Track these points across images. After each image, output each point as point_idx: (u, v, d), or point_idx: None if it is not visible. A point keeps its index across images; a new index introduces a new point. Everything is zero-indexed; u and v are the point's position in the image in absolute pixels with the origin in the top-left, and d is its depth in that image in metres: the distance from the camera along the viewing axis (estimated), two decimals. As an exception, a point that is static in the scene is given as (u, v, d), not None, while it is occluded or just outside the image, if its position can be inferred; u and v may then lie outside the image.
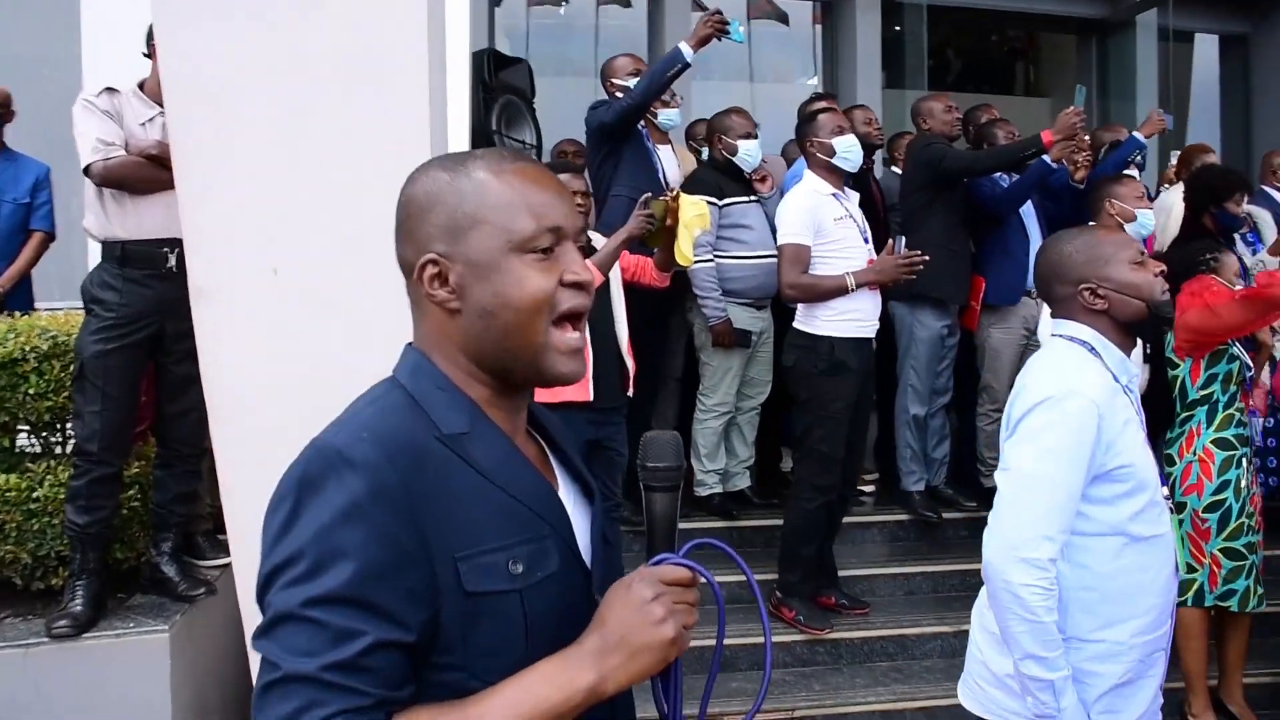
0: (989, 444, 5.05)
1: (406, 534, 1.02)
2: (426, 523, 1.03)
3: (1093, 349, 2.11)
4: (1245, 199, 4.41)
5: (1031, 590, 1.92)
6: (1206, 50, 9.96)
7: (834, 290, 3.97)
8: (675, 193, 3.93)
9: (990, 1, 8.92)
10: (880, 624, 4.29)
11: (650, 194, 3.94)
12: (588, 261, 3.58)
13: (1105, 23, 9.18)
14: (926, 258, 3.92)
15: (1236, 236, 5.13)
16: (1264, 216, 5.21)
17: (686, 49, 4.33)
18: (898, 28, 8.80)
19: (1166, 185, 5.82)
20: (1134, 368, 2.17)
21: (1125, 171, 5.13)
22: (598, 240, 3.99)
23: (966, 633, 4.08)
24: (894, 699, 3.87)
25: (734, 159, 4.76)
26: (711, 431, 4.86)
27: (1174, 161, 5.95)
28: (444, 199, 1.14)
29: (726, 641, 4.02)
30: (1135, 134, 5.31)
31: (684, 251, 3.94)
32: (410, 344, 1.20)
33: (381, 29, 2.42)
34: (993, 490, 4.95)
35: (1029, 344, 4.91)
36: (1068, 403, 1.99)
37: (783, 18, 9.10)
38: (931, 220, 4.78)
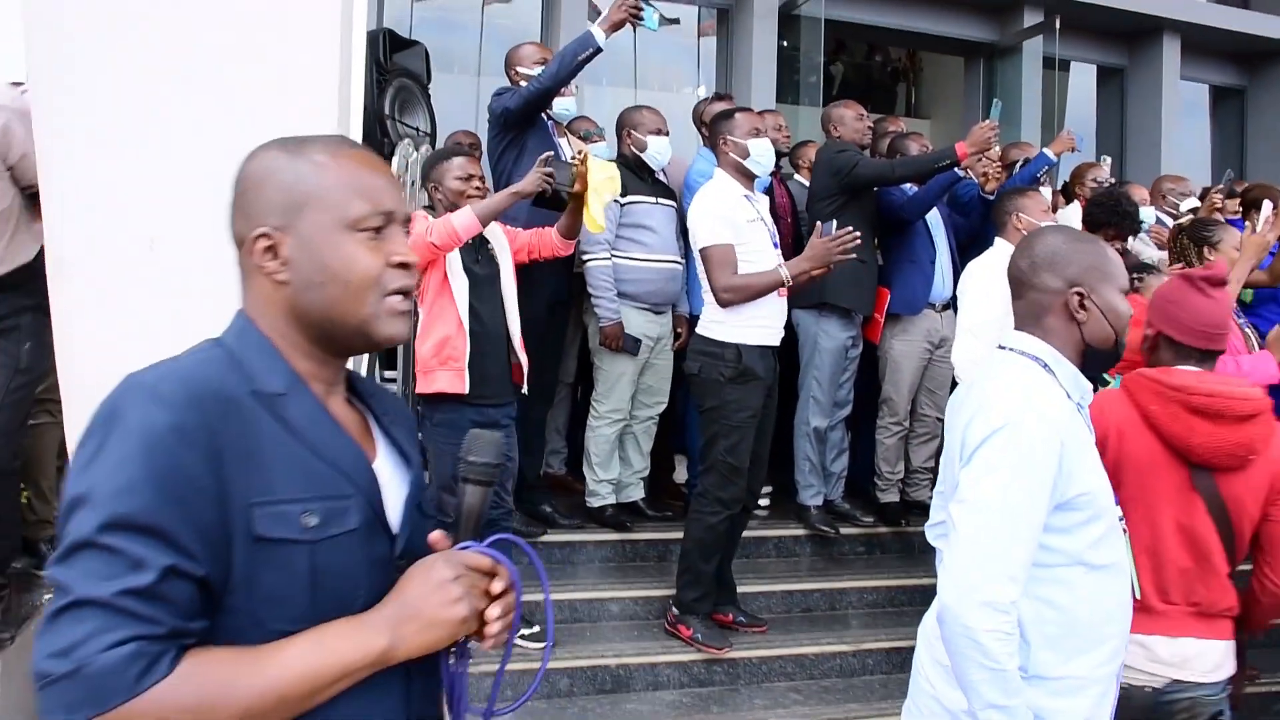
0: (887, 458, 4.99)
1: (204, 473, 1.07)
2: (226, 467, 1.09)
3: (1046, 365, 1.96)
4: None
5: (994, 636, 1.74)
6: (1084, 80, 10.29)
7: (770, 286, 3.78)
8: (583, 155, 3.74)
9: (886, 19, 8.98)
10: (778, 643, 4.15)
11: (551, 153, 3.75)
12: (468, 208, 3.39)
13: (994, 47, 9.37)
14: (859, 235, 3.74)
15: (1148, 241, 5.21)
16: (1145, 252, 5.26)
17: (598, 33, 4.11)
18: (785, 42, 8.79)
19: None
20: (1086, 384, 2.04)
21: (1041, 184, 5.18)
22: (496, 231, 3.76)
23: (866, 651, 4.11)
24: (795, 721, 3.73)
25: (643, 155, 4.58)
26: (604, 439, 4.65)
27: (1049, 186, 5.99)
28: (281, 177, 1.23)
29: (622, 660, 3.91)
30: (1045, 150, 5.35)
31: (594, 217, 3.75)
32: (240, 310, 1.26)
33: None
34: (889, 505, 4.91)
35: (931, 357, 4.87)
36: (1029, 428, 1.83)
37: (674, 21, 8.99)
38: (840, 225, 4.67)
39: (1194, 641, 2.41)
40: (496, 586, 1.25)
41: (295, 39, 2.21)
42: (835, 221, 3.78)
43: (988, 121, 4.54)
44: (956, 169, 4.58)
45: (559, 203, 3.79)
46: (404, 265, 1.25)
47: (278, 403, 1.18)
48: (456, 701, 1.30)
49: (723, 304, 3.83)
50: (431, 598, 1.18)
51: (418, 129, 5.08)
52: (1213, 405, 2.39)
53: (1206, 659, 2.41)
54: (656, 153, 4.60)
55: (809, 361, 4.77)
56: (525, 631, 3.88)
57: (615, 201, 4.32)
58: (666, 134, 4.64)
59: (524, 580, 3.84)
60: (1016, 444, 1.82)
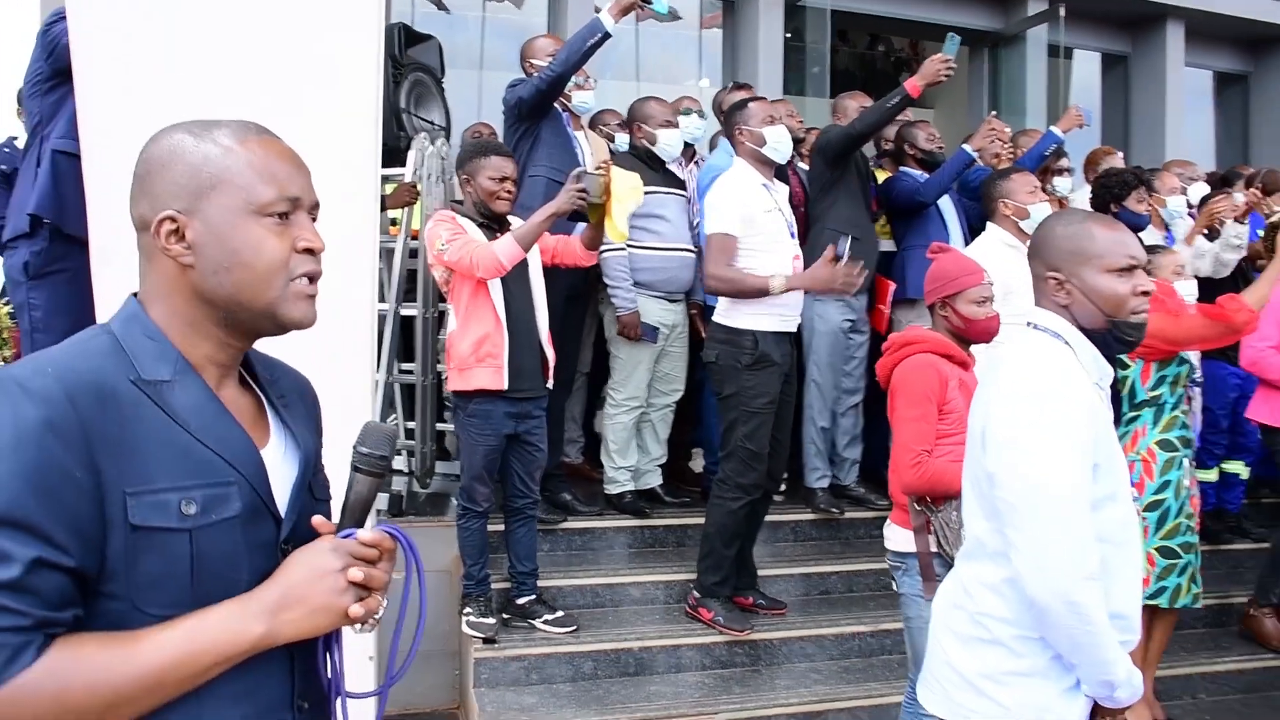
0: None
1: (76, 465, 1.07)
2: (101, 458, 1.09)
3: (1067, 342, 1.99)
4: (1148, 195, 4.50)
5: (1096, 604, 1.81)
6: (1088, 67, 10.32)
7: (755, 291, 3.82)
8: (608, 166, 3.79)
9: (891, 9, 9.02)
10: (798, 625, 4.22)
11: (582, 169, 3.79)
12: (509, 236, 3.45)
13: (998, 36, 9.39)
14: (865, 271, 3.78)
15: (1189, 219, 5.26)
16: (1178, 211, 5.32)
17: (607, 19, 4.14)
18: (788, 35, 8.81)
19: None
20: (1106, 365, 2.08)
21: (1059, 164, 5.22)
22: (516, 224, 3.82)
23: (884, 632, 4.18)
24: (816, 700, 3.79)
25: (654, 148, 4.64)
26: (622, 427, 4.72)
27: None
28: (186, 160, 1.22)
29: (644, 643, 3.98)
30: (1053, 129, 5.37)
31: (618, 226, 3.79)
32: (133, 294, 1.26)
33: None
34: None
35: (946, 341, 4.92)
36: (1060, 402, 1.88)
37: (677, 17, 9.01)
38: (835, 208, 4.75)
39: None
40: (382, 574, 1.25)
41: (335, 37, 2.26)
42: (850, 238, 3.83)
43: (939, 55, 4.47)
44: (966, 148, 4.63)
45: (583, 214, 3.83)
46: (310, 251, 1.25)
47: (162, 390, 1.17)
48: (335, 683, 1.31)
49: (709, 291, 3.97)
50: (317, 585, 1.19)
51: (433, 123, 5.14)
52: None
53: None
54: (667, 144, 4.65)
55: (808, 345, 4.83)
56: (549, 616, 3.95)
57: None
58: (676, 126, 4.69)
59: (543, 566, 3.92)
60: (1051, 418, 1.87)
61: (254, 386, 1.35)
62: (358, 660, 1.30)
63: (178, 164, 1.22)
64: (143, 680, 1.09)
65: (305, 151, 2.33)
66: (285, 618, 1.18)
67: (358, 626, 1.27)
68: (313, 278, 1.26)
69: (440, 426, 4.87)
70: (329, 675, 1.30)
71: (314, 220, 1.30)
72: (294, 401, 1.38)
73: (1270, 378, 4.19)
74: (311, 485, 1.33)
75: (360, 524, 1.28)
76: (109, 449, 1.10)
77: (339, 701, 1.35)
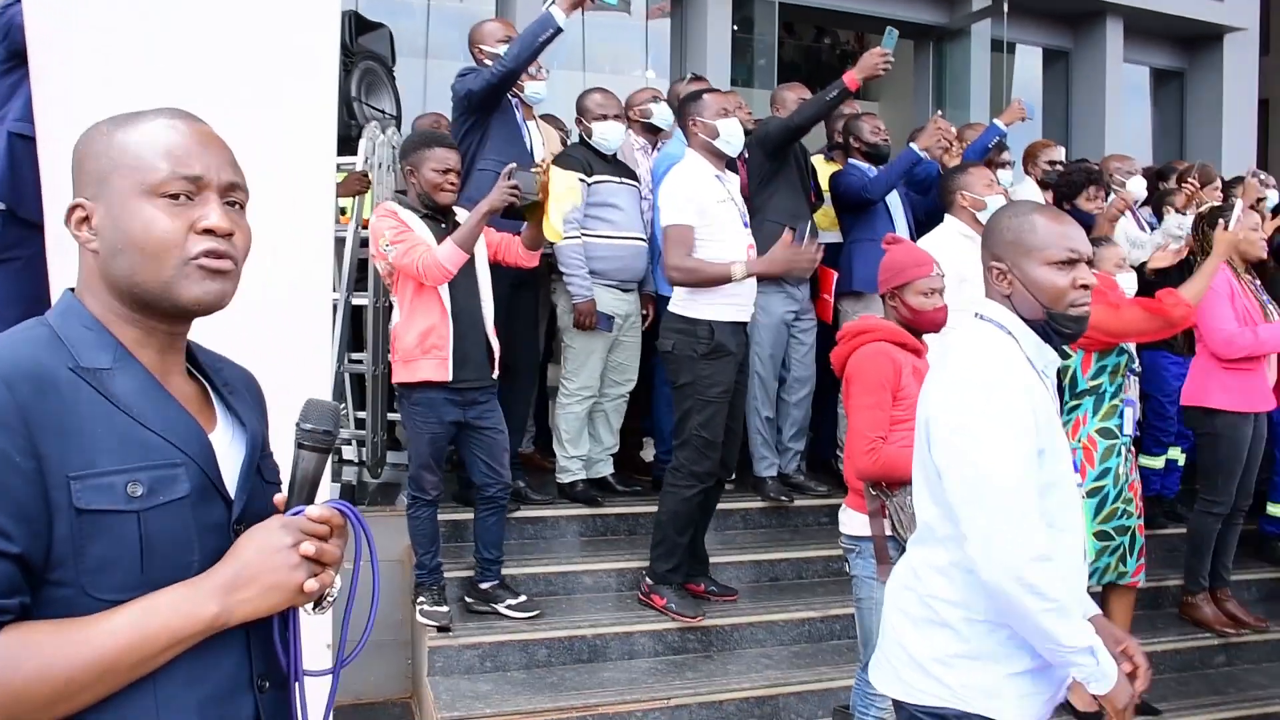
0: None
1: (16, 451, 1.06)
2: (42, 444, 1.08)
3: (1010, 332, 2.04)
4: (1100, 193, 4.61)
5: (1048, 581, 1.86)
6: (1030, 62, 10.52)
7: (718, 279, 3.86)
8: (546, 165, 3.79)
9: (837, 3, 9.13)
10: (749, 611, 4.27)
11: (515, 164, 3.79)
12: (449, 242, 3.45)
13: (944, 30, 9.53)
14: (823, 250, 3.83)
15: (1131, 219, 5.39)
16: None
17: (559, 13, 4.13)
18: (735, 26, 8.87)
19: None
20: (1051, 353, 2.14)
21: (1001, 158, 5.31)
22: (463, 216, 3.81)
23: (834, 617, 4.25)
24: (768, 684, 3.84)
25: (590, 141, 4.66)
26: (574, 417, 4.74)
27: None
28: (96, 147, 1.23)
29: (598, 630, 4.01)
30: (995, 121, 5.47)
31: (553, 226, 3.79)
32: (70, 289, 1.26)
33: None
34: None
35: (892, 333, 5.00)
36: (1004, 391, 1.93)
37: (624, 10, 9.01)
38: (774, 198, 4.77)
39: None
40: (334, 549, 1.25)
41: (293, 25, 2.26)
42: (811, 224, 3.87)
43: (878, 49, 4.53)
44: (914, 147, 4.71)
45: (518, 211, 3.83)
46: (209, 231, 1.22)
47: (103, 377, 1.17)
48: (293, 661, 1.30)
49: (671, 282, 3.97)
50: (270, 563, 1.19)
51: (384, 111, 5.11)
52: None
53: None
54: (603, 137, 4.67)
55: (750, 336, 4.86)
56: (512, 601, 3.97)
57: (581, 181, 4.39)
58: (616, 118, 4.71)
59: (507, 553, 3.92)
60: (995, 407, 1.92)
61: (199, 377, 1.34)
62: (315, 648, 1.32)
63: (90, 152, 1.23)
64: (94, 666, 1.08)
65: (262, 141, 2.33)
66: (238, 597, 1.17)
67: (312, 607, 1.28)
68: (216, 255, 1.22)
69: (391, 416, 4.86)
70: (287, 655, 1.29)
71: (235, 204, 1.27)
72: (239, 389, 1.37)
73: (1249, 352, 4.28)
74: (261, 468, 1.33)
75: (309, 501, 1.27)
76: (49, 434, 1.09)
77: (297, 681, 1.33)
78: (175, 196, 1.20)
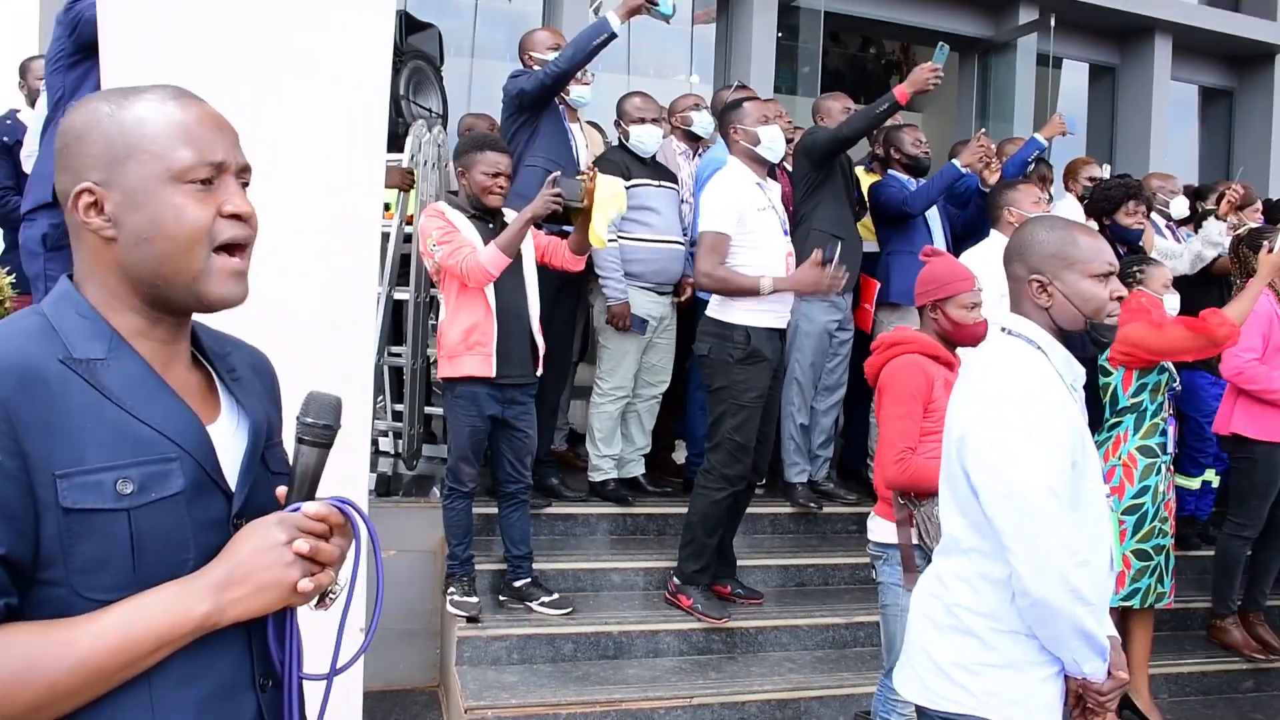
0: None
1: (1, 450, 1.04)
2: (28, 441, 1.05)
3: (1039, 347, 2.09)
4: (1140, 208, 4.61)
5: (1089, 584, 1.94)
6: (1076, 78, 10.44)
7: (746, 290, 3.91)
8: (592, 172, 3.84)
9: (883, 12, 9.11)
10: (774, 614, 4.31)
11: (559, 173, 3.85)
12: (493, 246, 3.53)
13: (989, 43, 9.50)
14: (848, 275, 3.88)
15: (1168, 232, 5.38)
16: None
17: (614, 19, 4.24)
18: (780, 34, 8.88)
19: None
20: (1079, 367, 2.18)
21: (1041, 172, 5.31)
22: (511, 217, 3.88)
23: (858, 624, 4.27)
24: (790, 688, 3.88)
25: (628, 144, 4.72)
26: (608, 416, 4.80)
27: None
28: (102, 129, 1.17)
29: (624, 627, 4.06)
30: (1035, 135, 5.47)
31: (597, 233, 3.85)
32: (67, 274, 1.22)
33: None
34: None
35: (927, 344, 5.02)
36: (1038, 405, 1.98)
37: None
38: (820, 208, 4.82)
39: None
40: (333, 547, 1.21)
41: (351, 23, 2.33)
42: (840, 244, 3.91)
43: (929, 64, 4.57)
44: (956, 163, 4.73)
45: (566, 217, 3.89)
46: (236, 216, 1.20)
47: (95, 368, 1.13)
48: (287, 663, 1.25)
49: (699, 287, 4.03)
50: (265, 561, 1.15)
51: (430, 110, 5.19)
52: None
53: None
54: (639, 140, 4.73)
55: (791, 344, 4.90)
56: (545, 599, 4.03)
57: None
58: (654, 121, 4.77)
59: (538, 549, 3.99)
60: (1034, 418, 1.97)
61: (204, 363, 1.31)
62: (350, 634, 1.32)
63: (94, 134, 1.17)
64: (81, 668, 1.05)
65: (315, 137, 2.41)
66: (231, 596, 1.13)
67: (313, 604, 1.23)
68: (239, 244, 1.21)
69: (428, 410, 4.94)
70: (281, 654, 1.24)
71: (245, 185, 1.24)
72: (246, 375, 1.33)
73: (1253, 389, 4.29)
74: (266, 458, 1.29)
75: (310, 497, 1.24)
76: (35, 431, 1.06)
77: (289, 682, 1.28)
78: (204, 182, 1.18)
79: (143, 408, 1.15)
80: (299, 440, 1.24)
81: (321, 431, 1.24)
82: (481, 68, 8.51)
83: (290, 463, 1.26)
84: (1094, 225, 4.54)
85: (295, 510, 1.20)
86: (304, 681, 1.29)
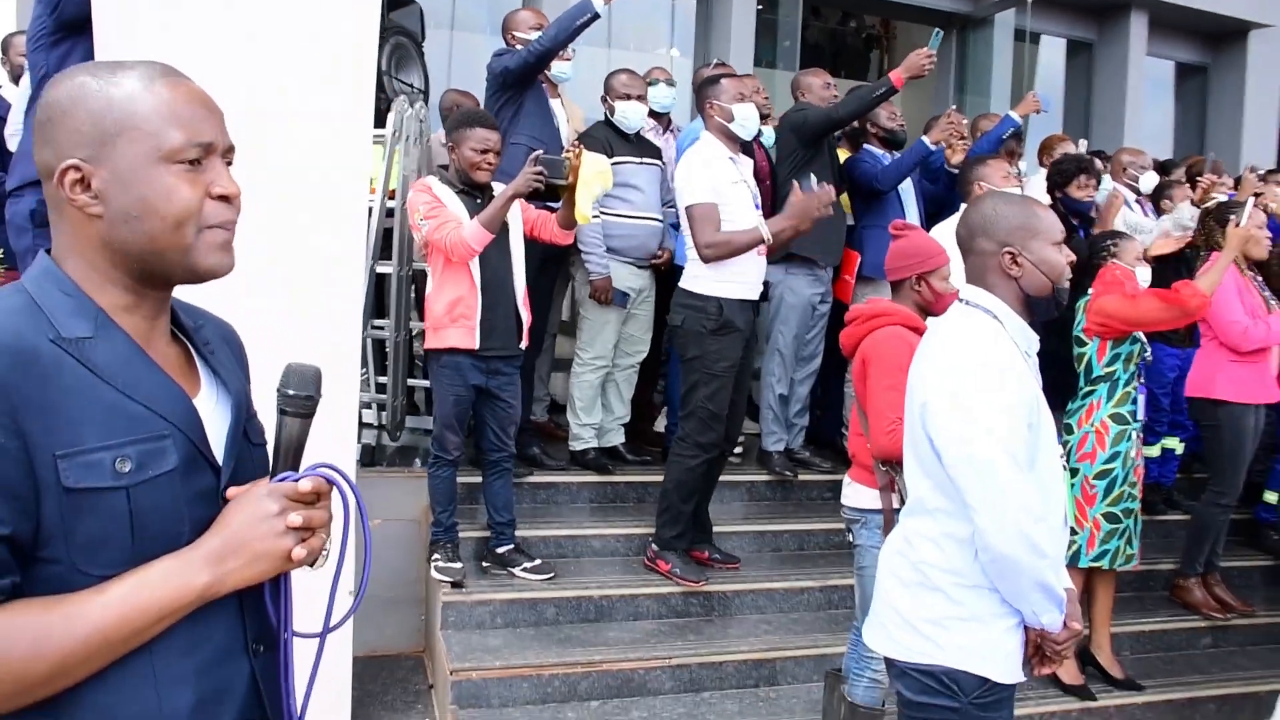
0: (854, 409, 5.26)
1: (2, 432, 1.05)
2: (26, 421, 1.06)
3: (996, 316, 2.20)
4: (1091, 181, 4.75)
5: (1046, 538, 2.07)
6: (1053, 53, 10.54)
7: (751, 243, 3.97)
8: (578, 149, 3.92)
9: (861, -12, 9.18)
10: (750, 579, 4.43)
11: (540, 152, 3.93)
12: (475, 221, 3.60)
13: (967, 18, 9.58)
14: (832, 194, 3.94)
15: (1135, 206, 5.51)
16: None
17: (597, 0, 4.31)
18: (760, 6, 8.93)
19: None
20: (1033, 335, 2.28)
21: (1015, 149, 5.41)
22: (499, 189, 3.96)
23: (832, 587, 4.40)
24: (765, 649, 4.01)
25: (613, 119, 4.79)
26: (588, 385, 4.90)
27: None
28: (89, 105, 1.16)
29: (605, 592, 4.17)
30: (1010, 113, 5.56)
31: (582, 209, 3.93)
32: (46, 250, 1.22)
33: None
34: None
35: (901, 316, 5.13)
36: (991, 372, 2.10)
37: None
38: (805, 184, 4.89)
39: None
40: (322, 512, 1.24)
41: (339, 13, 2.41)
42: (814, 177, 3.99)
43: (924, 49, 4.70)
44: (925, 140, 4.83)
45: (552, 194, 3.96)
46: (224, 198, 1.22)
47: (84, 347, 1.14)
48: (282, 625, 1.29)
49: (705, 259, 4.05)
50: (257, 531, 1.18)
51: (412, 86, 5.24)
52: None
53: None
54: (624, 116, 4.81)
55: (775, 315, 5.03)
56: (528, 564, 4.14)
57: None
58: (640, 99, 4.85)
59: (520, 516, 4.07)
60: (986, 388, 2.09)
61: (181, 337, 1.32)
62: (340, 596, 1.37)
63: (80, 109, 1.16)
64: (89, 641, 1.08)
65: (302, 110, 2.48)
66: (228, 566, 1.17)
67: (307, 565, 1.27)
68: (226, 225, 1.23)
69: (411, 382, 5.02)
70: (278, 618, 1.28)
71: (229, 164, 1.25)
72: (220, 347, 1.35)
73: (1265, 344, 4.47)
74: (247, 430, 1.31)
75: (295, 467, 1.26)
76: (34, 412, 1.07)
77: (286, 644, 1.32)
78: (193, 162, 1.19)
79: (134, 386, 1.16)
80: (281, 412, 1.27)
81: (304, 402, 1.26)
82: (461, 41, 8.53)
83: (274, 433, 1.28)
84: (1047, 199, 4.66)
85: (283, 480, 1.24)
86: (294, 647, 1.32)
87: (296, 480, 1.22)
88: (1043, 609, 2.12)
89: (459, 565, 4.04)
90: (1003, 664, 2.17)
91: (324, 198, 2.52)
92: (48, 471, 1.08)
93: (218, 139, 1.22)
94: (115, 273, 1.19)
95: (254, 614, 1.26)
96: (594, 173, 3.87)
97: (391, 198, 4.76)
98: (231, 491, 1.24)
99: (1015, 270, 2.22)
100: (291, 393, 1.26)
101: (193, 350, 1.32)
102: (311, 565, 1.27)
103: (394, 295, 4.82)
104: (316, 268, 2.54)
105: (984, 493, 2.06)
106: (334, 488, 1.27)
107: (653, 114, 5.23)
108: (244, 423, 1.31)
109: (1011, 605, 2.16)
